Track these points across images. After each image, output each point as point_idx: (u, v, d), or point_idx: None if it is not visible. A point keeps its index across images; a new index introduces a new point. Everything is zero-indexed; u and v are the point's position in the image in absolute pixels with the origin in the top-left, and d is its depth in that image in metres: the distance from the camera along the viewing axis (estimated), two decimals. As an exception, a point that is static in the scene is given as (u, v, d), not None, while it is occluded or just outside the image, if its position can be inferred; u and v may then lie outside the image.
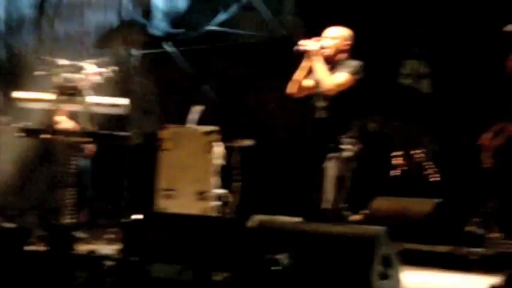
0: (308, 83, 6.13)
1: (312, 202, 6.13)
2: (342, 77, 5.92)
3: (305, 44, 6.03)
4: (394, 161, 8.68)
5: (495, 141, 6.80)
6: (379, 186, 7.94)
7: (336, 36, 6.08)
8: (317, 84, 6.07)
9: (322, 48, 6.01)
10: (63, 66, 6.49)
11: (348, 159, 5.93)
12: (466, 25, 8.44)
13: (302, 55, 6.04)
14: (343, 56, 6.06)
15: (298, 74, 6.10)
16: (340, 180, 5.92)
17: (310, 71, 6.08)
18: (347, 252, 4.93)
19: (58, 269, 5.19)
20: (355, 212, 6.65)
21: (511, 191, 6.73)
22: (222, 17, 9.51)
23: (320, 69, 5.93)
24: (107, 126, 6.66)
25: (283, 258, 4.90)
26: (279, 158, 8.55)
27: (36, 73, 6.68)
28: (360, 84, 5.99)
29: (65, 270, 5.07)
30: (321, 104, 6.08)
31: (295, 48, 6.02)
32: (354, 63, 6.00)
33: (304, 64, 6.06)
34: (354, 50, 6.19)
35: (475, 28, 8.33)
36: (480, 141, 6.97)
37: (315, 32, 6.21)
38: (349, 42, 6.10)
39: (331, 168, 5.95)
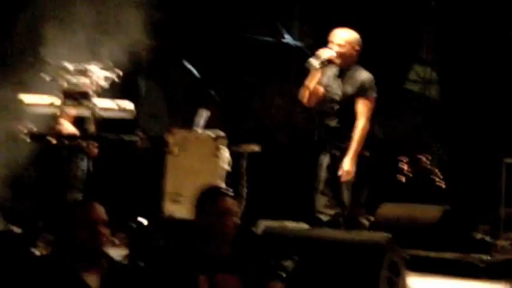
0: (319, 90, 6.11)
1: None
2: (366, 112, 5.92)
3: (319, 55, 6.01)
4: (401, 166, 8.66)
5: None
6: (386, 192, 7.91)
7: (343, 42, 6.04)
8: (326, 90, 6.07)
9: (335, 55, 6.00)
10: (69, 69, 6.48)
11: (360, 164, 5.94)
12: (474, 30, 8.42)
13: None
14: (352, 60, 6.04)
15: (309, 82, 6.08)
16: (352, 186, 5.93)
17: (320, 78, 6.07)
18: (354, 258, 4.91)
19: (64, 273, 5.18)
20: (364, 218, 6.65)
21: None
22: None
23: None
24: (114, 130, 6.65)
25: (289, 264, 4.87)
26: (286, 163, 8.53)
27: (42, 76, 6.68)
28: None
29: (72, 274, 5.03)
30: (328, 108, 6.07)
31: (307, 64, 6.01)
32: (364, 80, 5.97)
33: (315, 72, 6.04)
34: (361, 54, 6.18)
35: (483, 33, 8.32)
36: None
37: (323, 38, 6.20)
38: (357, 48, 6.07)
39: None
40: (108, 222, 4.39)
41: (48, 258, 4.58)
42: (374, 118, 6.19)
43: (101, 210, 3.91)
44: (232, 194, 4.02)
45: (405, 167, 8.66)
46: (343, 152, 5.97)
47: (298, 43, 9.05)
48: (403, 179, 8.53)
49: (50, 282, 3.87)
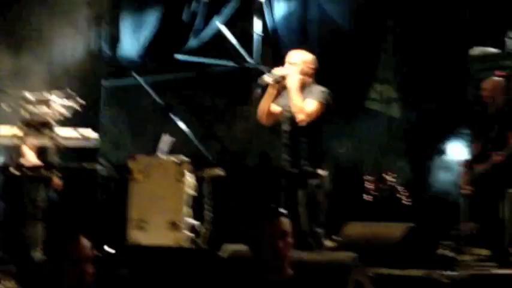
0: (275, 109, 6.15)
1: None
2: (312, 106, 5.95)
3: (273, 73, 6.07)
4: (366, 186, 8.69)
5: (478, 166, 6.89)
6: (351, 211, 7.93)
7: (299, 61, 6.11)
8: (283, 110, 6.10)
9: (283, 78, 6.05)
10: (29, 99, 6.45)
11: (318, 185, 5.93)
12: (434, 48, 8.52)
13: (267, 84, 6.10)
14: (308, 80, 6.09)
15: (265, 101, 6.14)
16: (312, 206, 5.91)
17: (276, 98, 6.12)
18: (320, 279, 4.90)
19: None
20: (328, 238, 6.64)
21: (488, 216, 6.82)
22: (191, 44, 9.54)
23: (295, 96, 5.95)
24: (77, 159, 6.62)
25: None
26: (250, 186, 8.52)
27: (3, 107, 6.63)
28: (330, 110, 6.03)
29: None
30: (287, 128, 6.08)
31: (260, 80, 6.08)
32: (322, 90, 6.03)
33: (271, 91, 6.09)
34: (322, 73, 6.23)
35: (442, 51, 8.41)
36: (463, 165, 7.09)
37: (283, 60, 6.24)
38: (312, 66, 6.13)
39: (302, 195, 5.95)
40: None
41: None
42: (337, 138, 6.22)
43: (87, 246, 3.74)
44: (285, 213, 3.72)
45: (370, 186, 8.70)
46: (305, 171, 5.98)
47: (260, 67, 9.09)
48: (369, 198, 8.56)
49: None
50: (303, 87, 6.06)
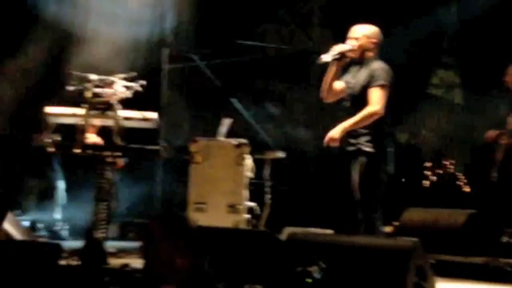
0: (338, 85, 6.03)
1: (343, 213, 6.07)
2: (377, 97, 5.80)
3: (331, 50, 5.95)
4: (425, 172, 8.63)
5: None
6: (411, 197, 7.88)
7: (360, 35, 5.96)
8: (346, 86, 5.99)
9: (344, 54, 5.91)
10: (94, 80, 6.52)
11: (368, 163, 5.80)
12: (494, 33, 8.40)
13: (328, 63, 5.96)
14: (370, 54, 5.93)
15: (327, 79, 6.00)
16: (362, 183, 5.78)
17: (337, 75, 6.00)
18: (381, 264, 4.87)
19: (91, 284, 5.20)
20: (387, 224, 6.60)
21: None
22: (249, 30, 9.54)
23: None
24: (137, 140, 6.66)
25: (315, 270, 4.86)
26: (309, 169, 8.51)
27: (68, 88, 6.72)
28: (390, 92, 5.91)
29: (98, 284, 5.08)
30: (349, 105, 5.98)
31: (318, 60, 5.93)
32: (381, 67, 5.87)
33: (332, 68, 5.96)
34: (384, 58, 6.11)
35: (501, 35, 8.29)
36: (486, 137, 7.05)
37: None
38: (374, 40, 5.97)
39: (354, 173, 5.83)
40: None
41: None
42: (398, 124, 6.13)
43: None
44: None
45: (430, 173, 8.62)
46: (357, 151, 5.85)
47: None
48: (428, 184, 8.50)
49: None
50: (365, 61, 5.93)
